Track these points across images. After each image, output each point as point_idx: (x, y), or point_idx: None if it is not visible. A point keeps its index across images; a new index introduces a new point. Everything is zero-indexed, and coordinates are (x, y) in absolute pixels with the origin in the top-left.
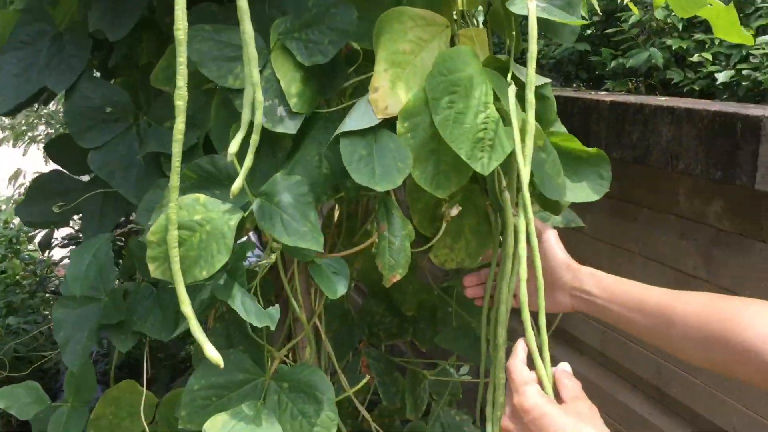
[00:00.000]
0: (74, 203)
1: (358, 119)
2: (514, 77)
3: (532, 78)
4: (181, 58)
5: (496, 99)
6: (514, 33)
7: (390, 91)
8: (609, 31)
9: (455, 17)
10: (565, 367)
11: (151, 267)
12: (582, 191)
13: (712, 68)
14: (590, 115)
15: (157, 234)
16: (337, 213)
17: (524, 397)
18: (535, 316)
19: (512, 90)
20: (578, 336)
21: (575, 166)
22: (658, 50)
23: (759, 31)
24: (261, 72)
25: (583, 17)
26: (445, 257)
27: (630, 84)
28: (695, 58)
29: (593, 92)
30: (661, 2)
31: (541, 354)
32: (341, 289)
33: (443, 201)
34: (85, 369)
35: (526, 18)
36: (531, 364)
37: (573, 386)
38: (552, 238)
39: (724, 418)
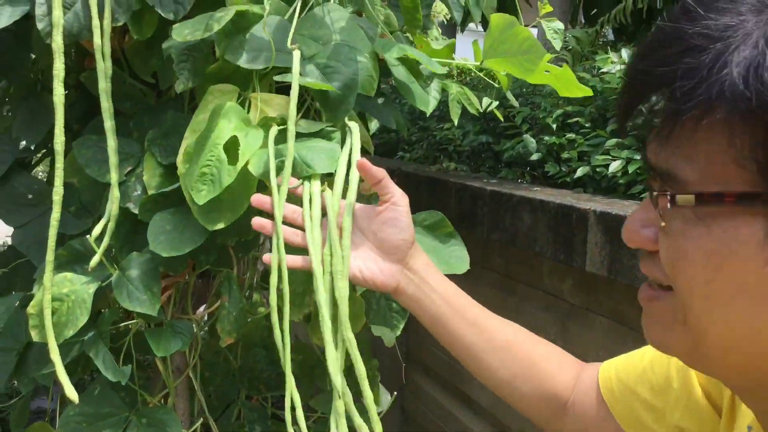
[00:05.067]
0: None
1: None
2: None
3: (292, 128)
4: (59, 164)
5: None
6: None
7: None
8: (503, 124)
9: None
10: None
11: (32, 333)
12: None
13: (577, 164)
14: (477, 201)
15: (36, 307)
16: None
17: None
18: None
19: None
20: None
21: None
22: (533, 141)
23: (610, 134)
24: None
25: (478, 110)
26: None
27: (518, 173)
28: (565, 154)
29: (485, 180)
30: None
31: None
32: (174, 347)
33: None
34: None
35: None
36: None
37: None
38: (405, 207)
39: None
